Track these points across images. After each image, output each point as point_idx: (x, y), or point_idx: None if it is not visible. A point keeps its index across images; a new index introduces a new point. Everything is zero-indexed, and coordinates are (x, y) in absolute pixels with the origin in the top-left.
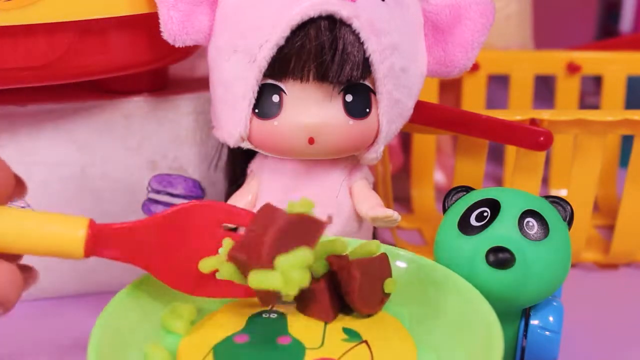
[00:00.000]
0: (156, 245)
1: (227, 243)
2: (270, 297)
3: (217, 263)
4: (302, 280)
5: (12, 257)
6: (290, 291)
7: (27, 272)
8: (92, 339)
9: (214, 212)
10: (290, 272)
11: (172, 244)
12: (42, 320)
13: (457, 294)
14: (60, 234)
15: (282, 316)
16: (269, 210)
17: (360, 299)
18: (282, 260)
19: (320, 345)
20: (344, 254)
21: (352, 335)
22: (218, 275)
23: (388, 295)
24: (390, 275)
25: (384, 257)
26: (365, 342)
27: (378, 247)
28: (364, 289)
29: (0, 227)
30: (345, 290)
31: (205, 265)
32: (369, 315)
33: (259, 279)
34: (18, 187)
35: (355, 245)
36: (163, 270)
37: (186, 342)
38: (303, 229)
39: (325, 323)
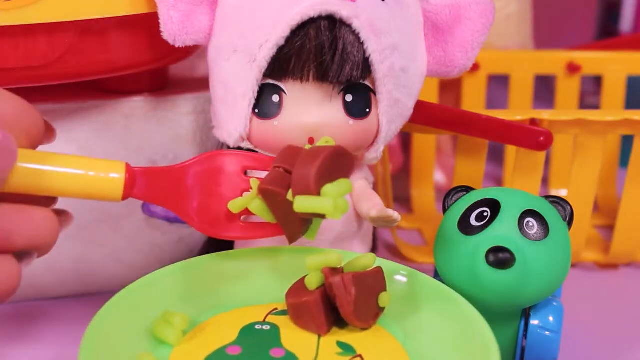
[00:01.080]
0: (185, 189)
1: (255, 181)
2: (297, 231)
3: (246, 201)
4: (346, 206)
5: (47, 202)
6: (337, 216)
7: (62, 216)
8: (83, 348)
9: (238, 159)
10: (339, 198)
11: (200, 188)
12: (42, 320)
13: (453, 310)
14: (101, 177)
15: (274, 328)
16: (290, 149)
17: (355, 313)
18: (330, 188)
19: (314, 359)
20: (339, 267)
21: (346, 349)
22: (251, 208)
23: (382, 309)
24: (385, 289)
25: (379, 271)
26: (360, 356)
27: (373, 260)
28: (359, 303)
29: (46, 171)
30: (340, 304)
31: (235, 204)
32: (363, 329)
33: (307, 204)
34: (48, 133)
35: (350, 258)
36: (191, 213)
37: (178, 353)
38: (340, 160)
39: (319, 336)
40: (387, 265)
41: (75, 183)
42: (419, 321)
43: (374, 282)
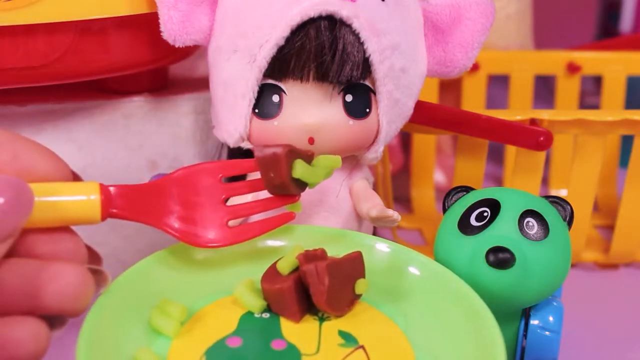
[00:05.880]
0: (164, 204)
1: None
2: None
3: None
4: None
5: (91, 259)
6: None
7: (98, 275)
8: (80, 348)
9: (213, 171)
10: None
11: (180, 202)
12: None
13: (459, 299)
14: (77, 201)
15: (274, 316)
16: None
17: (328, 302)
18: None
19: (316, 351)
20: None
21: (348, 339)
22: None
23: (359, 296)
24: (363, 276)
25: (357, 256)
26: (362, 347)
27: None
28: (332, 292)
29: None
30: (313, 292)
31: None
32: (337, 316)
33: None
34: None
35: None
36: (174, 226)
37: (177, 345)
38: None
39: (320, 325)
40: (399, 250)
41: (51, 210)
42: (423, 310)
43: (351, 268)
